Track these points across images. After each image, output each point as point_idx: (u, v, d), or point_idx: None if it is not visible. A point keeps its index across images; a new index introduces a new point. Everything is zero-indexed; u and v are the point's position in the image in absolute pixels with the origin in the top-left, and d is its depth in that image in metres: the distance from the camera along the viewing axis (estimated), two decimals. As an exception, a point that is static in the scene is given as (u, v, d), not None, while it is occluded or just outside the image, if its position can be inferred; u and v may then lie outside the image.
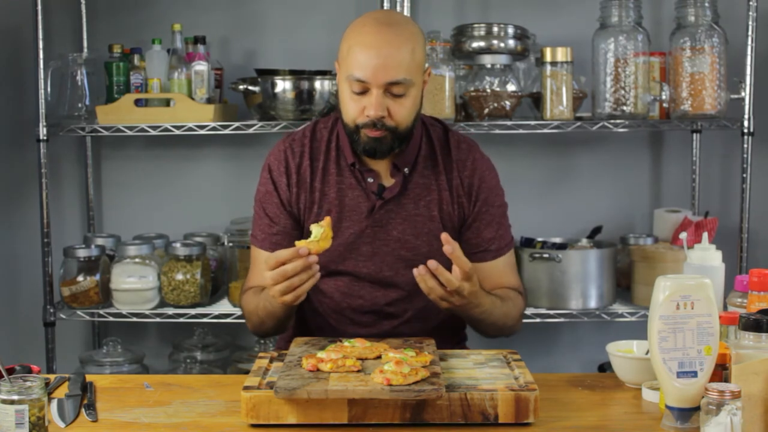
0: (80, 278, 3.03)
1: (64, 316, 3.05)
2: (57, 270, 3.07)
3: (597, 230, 3.22)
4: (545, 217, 3.36)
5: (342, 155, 2.13)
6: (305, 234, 2.07)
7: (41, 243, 3.07)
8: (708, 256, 1.96)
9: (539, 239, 3.10)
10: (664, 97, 3.00)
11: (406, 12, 3.01)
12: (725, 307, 1.86)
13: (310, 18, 3.34)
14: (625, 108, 2.96)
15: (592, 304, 2.97)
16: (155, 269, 3.02)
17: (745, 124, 2.98)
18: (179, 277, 2.99)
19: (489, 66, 3.03)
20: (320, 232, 1.88)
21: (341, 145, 2.14)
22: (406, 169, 2.12)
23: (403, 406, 1.63)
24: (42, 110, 3.01)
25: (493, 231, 2.16)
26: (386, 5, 3.05)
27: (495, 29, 3.00)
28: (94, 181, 3.42)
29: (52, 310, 3.04)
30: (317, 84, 2.98)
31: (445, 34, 3.06)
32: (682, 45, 2.97)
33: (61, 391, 1.85)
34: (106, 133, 3.04)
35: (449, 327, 2.22)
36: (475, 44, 3.02)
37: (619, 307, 3.01)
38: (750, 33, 2.94)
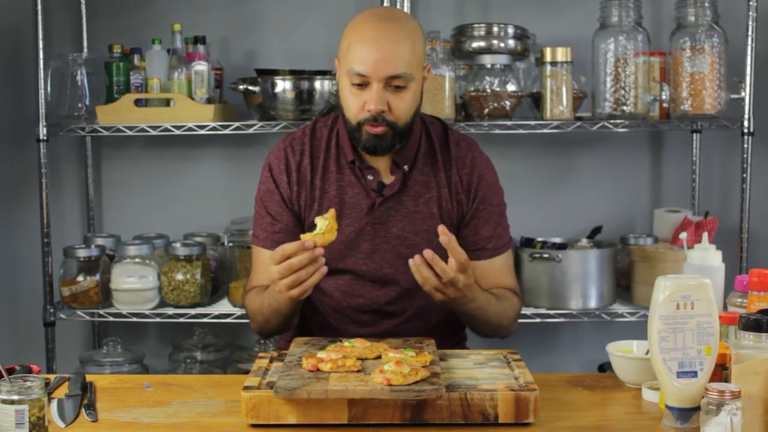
0: (80, 278, 3.03)
1: (64, 316, 3.05)
2: (57, 270, 3.07)
3: (597, 230, 3.22)
4: (545, 217, 3.36)
5: (342, 153, 2.14)
6: (306, 232, 2.07)
7: (41, 243, 3.07)
8: (708, 256, 1.96)
9: (539, 239, 3.10)
10: (664, 97, 3.00)
11: (406, 11, 3.01)
12: (725, 307, 1.86)
13: (310, 18, 3.34)
14: (625, 108, 2.96)
15: (592, 304, 2.97)
16: (155, 269, 3.02)
17: (745, 124, 2.98)
18: (179, 277, 2.99)
19: (489, 66, 3.03)
20: (325, 225, 1.88)
21: (341, 143, 2.15)
22: (405, 167, 2.13)
23: (403, 406, 1.63)
24: (42, 110, 3.01)
25: (491, 229, 2.16)
26: (386, 4, 3.05)
27: (495, 29, 3.01)
28: (94, 181, 3.42)
29: (52, 310, 3.04)
30: (317, 84, 2.98)
31: (445, 34, 3.06)
32: (682, 45, 2.97)
33: (61, 391, 1.85)
34: (106, 133, 3.04)
35: (449, 326, 2.22)
36: (475, 44, 3.02)
37: (619, 307, 3.01)
38: (750, 33, 2.94)
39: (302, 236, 1.87)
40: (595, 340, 3.20)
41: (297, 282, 1.86)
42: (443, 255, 1.88)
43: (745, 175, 2.99)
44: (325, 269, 1.87)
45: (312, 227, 1.96)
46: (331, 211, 1.90)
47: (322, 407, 1.63)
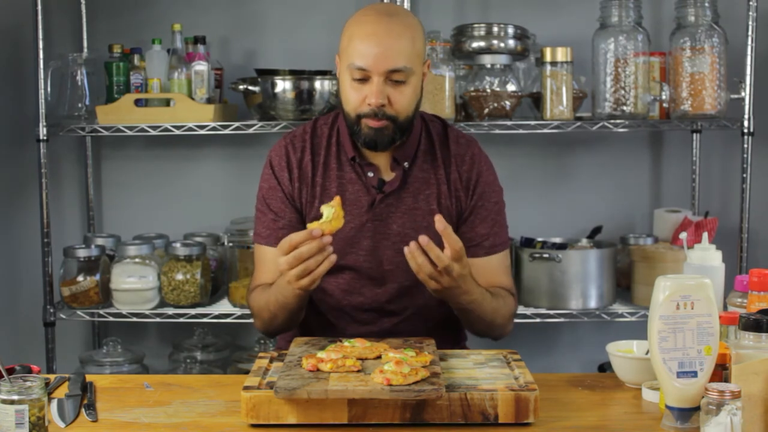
0: (80, 278, 3.03)
1: (64, 316, 3.05)
2: (57, 270, 3.07)
3: (597, 230, 3.22)
4: (545, 217, 3.36)
5: (342, 150, 2.15)
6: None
7: (41, 243, 3.07)
8: (708, 256, 1.96)
9: (539, 239, 3.10)
10: (664, 97, 3.00)
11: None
12: (725, 307, 1.86)
13: (310, 18, 3.34)
14: (625, 108, 2.96)
15: (592, 304, 2.97)
16: (155, 269, 3.02)
17: (745, 124, 2.98)
18: (179, 277, 2.99)
19: (489, 66, 3.03)
20: (332, 212, 1.87)
21: (342, 140, 2.15)
22: (406, 164, 2.13)
23: (403, 406, 1.63)
24: (42, 110, 3.01)
25: (488, 227, 2.15)
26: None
27: (495, 29, 3.01)
28: (94, 181, 3.42)
29: (52, 310, 3.04)
30: (317, 84, 2.98)
31: (445, 34, 3.06)
32: (682, 45, 2.97)
33: (61, 391, 1.85)
34: (106, 133, 3.04)
35: (449, 326, 2.22)
36: (475, 44, 3.02)
37: (619, 307, 3.01)
38: (750, 33, 2.94)
39: (309, 225, 1.86)
40: (595, 340, 3.20)
41: (306, 271, 1.85)
42: (440, 246, 1.87)
43: (745, 175, 2.99)
44: (334, 257, 1.86)
45: (318, 217, 1.95)
46: (337, 199, 1.90)
47: (322, 407, 1.63)
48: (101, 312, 3.04)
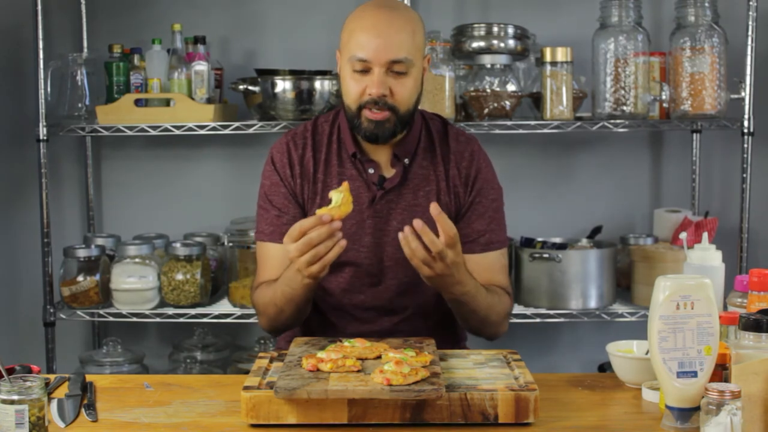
0: (80, 278, 3.03)
1: (64, 316, 3.05)
2: (57, 270, 3.07)
3: (597, 230, 3.22)
4: (545, 217, 3.36)
5: (343, 147, 2.15)
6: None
7: (41, 243, 3.07)
8: (708, 256, 1.96)
9: (539, 239, 3.10)
10: (664, 97, 3.00)
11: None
12: (725, 307, 1.86)
13: (310, 18, 3.34)
14: (625, 108, 2.96)
15: (592, 304, 2.97)
16: (155, 269, 3.02)
17: (745, 124, 2.98)
18: (179, 277, 2.99)
19: (489, 66, 3.03)
20: (340, 198, 1.87)
21: (342, 137, 2.16)
22: (406, 160, 2.14)
23: (403, 406, 1.63)
24: (42, 110, 3.01)
25: (485, 224, 2.15)
26: (386, 5, 3.05)
27: (495, 29, 3.01)
28: (94, 181, 3.42)
29: (52, 310, 3.04)
30: (317, 84, 2.98)
31: (445, 34, 3.06)
32: (682, 45, 2.97)
33: (61, 391, 1.85)
34: (106, 133, 3.04)
35: (449, 326, 2.22)
36: (475, 44, 3.02)
37: (619, 307, 3.01)
38: (750, 33, 2.94)
39: (318, 211, 1.86)
40: (595, 340, 3.20)
41: (316, 257, 1.85)
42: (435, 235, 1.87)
43: (745, 175, 2.99)
44: (344, 242, 1.86)
45: (327, 204, 1.94)
46: (345, 184, 1.90)
47: (322, 407, 1.63)
48: (101, 312, 3.04)
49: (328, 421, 1.63)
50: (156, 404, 1.79)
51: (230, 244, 3.06)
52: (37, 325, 3.13)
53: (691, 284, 1.61)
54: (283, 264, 2.03)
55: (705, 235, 2.03)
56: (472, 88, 3.03)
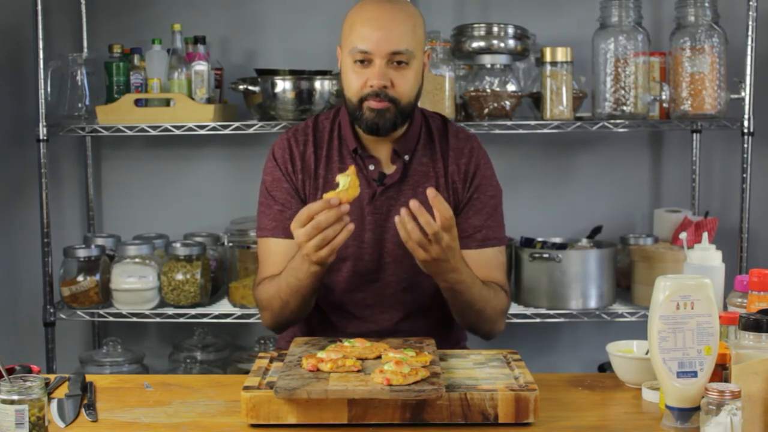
0: (80, 278, 3.03)
1: (64, 316, 3.05)
2: (57, 270, 3.07)
3: (597, 230, 3.22)
4: (545, 217, 3.36)
5: (344, 144, 2.16)
6: None
7: (41, 243, 3.07)
8: (708, 256, 1.96)
9: (539, 239, 3.10)
10: (664, 97, 3.00)
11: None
12: (725, 307, 1.86)
13: (310, 18, 3.34)
14: (625, 108, 2.96)
15: (592, 304, 2.97)
16: (155, 269, 3.02)
17: (745, 124, 2.98)
18: (179, 277, 2.99)
19: (489, 66, 3.03)
20: (347, 181, 1.87)
21: (343, 134, 2.17)
22: (406, 156, 2.14)
23: (403, 406, 1.63)
24: (42, 110, 3.01)
25: (482, 219, 2.15)
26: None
27: (495, 29, 3.01)
28: (94, 181, 3.42)
29: (52, 310, 3.04)
30: (317, 84, 2.98)
31: (445, 34, 3.06)
32: (682, 45, 2.97)
33: (61, 391, 1.85)
34: (106, 133, 3.04)
35: (449, 325, 2.22)
36: (475, 44, 3.02)
37: (619, 307, 3.01)
38: (750, 33, 2.94)
39: (325, 195, 1.86)
40: (595, 340, 3.20)
41: (325, 241, 1.85)
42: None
43: (745, 175, 2.99)
44: (351, 226, 1.86)
45: (334, 188, 1.94)
46: (352, 168, 1.91)
47: (322, 407, 1.63)
48: (101, 312, 3.04)
49: (328, 421, 1.63)
50: (156, 404, 1.79)
51: (230, 244, 3.06)
52: (37, 325, 3.13)
53: (691, 284, 1.61)
54: (287, 259, 2.03)
55: (705, 235, 2.03)
56: (472, 88, 3.03)
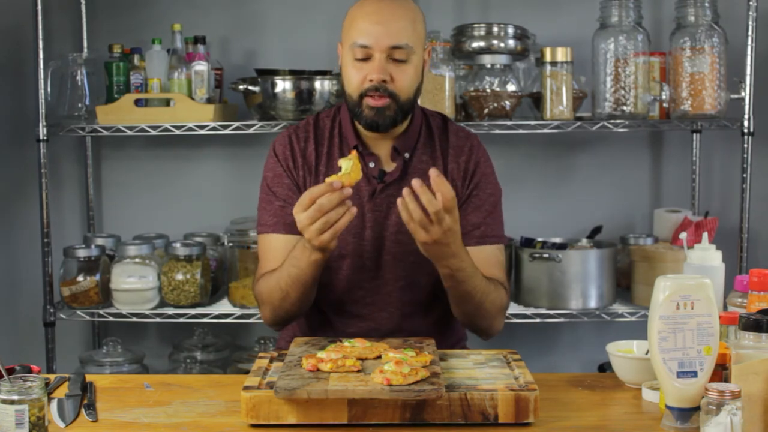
0: (80, 278, 3.03)
1: (64, 316, 3.05)
2: (57, 270, 3.07)
3: (597, 230, 3.22)
4: (545, 217, 3.36)
5: (345, 141, 2.16)
6: None
7: (41, 243, 3.07)
8: (708, 256, 1.96)
9: (539, 239, 3.10)
10: (664, 97, 3.00)
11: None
12: (725, 307, 1.86)
13: (310, 18, 3.34)
14: (625, 108, 2.96)
15: (592, 304, 2.97)
16: (155, 269, 3.02)
17: (745, 124, 2.98)
18: (179, 277, 2.99)
19: (489, 66, 3.03)
20: (350, 165, 1.87)
21: (344, 131, 2.17)
22: (406, 154, 2.15)
23: (403, 406, 1.63)
24: (42, 110, 3.01)
25: (481, 216, 2.15)
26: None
27: (495, 29, 3.01)
28: (94, 181, 3.42)
29: (52, 310, 3.04)
30: (317, 84, 2.98)
31: (445, 34, 3.06)
32: (682, 45, 2.97)
33: (61, 391, 1.85)
34: (106, 133, 3.04)
35: (449, 325, 2.22)
36: (475, 44, 3.02)
37: (619, 307, 3.01)
38: (750, 33, 2.94)
39: (327, 179, 1.86)
40: (595, 340, 3.20)
41: (327, 225, 1.85)
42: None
43: (745, 175, 2.99)
44: (354, 210, 1.86)
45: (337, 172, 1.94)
46: (354, 152, 1.92)
47: (322, 407, 1.63)
48: (101, 312, 3.04)
49: (328, 421, 1.63)
50: (156, 404, 1.79)
51: (230, 244, 3.06)
52: (37, 325, 3.13)
53: (691, 284, 1.61)
54: (287, 255, 2.02)
55: (705, 235, 2.03)
56: (472, 88, 3.03)
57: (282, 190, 2.15)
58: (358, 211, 2.11)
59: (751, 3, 2.93)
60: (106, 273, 3.04)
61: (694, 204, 3.31)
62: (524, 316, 2.96)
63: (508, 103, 3.00)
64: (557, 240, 3.16)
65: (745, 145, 2.98)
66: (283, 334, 2.28)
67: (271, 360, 1.87)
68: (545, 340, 3.41)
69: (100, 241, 3.15)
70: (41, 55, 3.00)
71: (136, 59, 3.14)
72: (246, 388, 1.67)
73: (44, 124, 3.01)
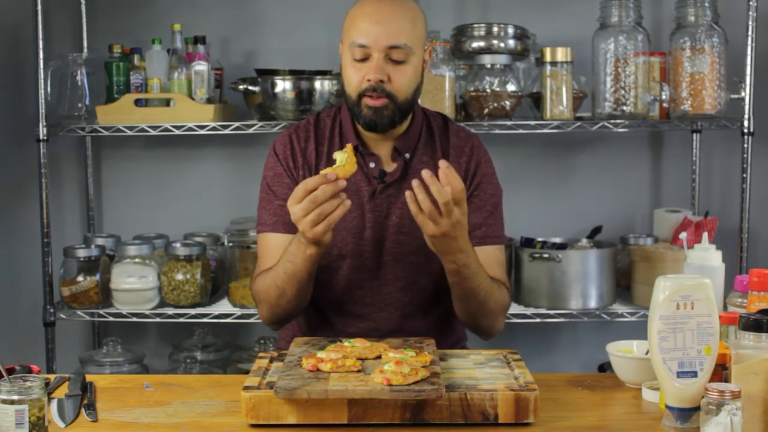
0: (80, 278, 3.03)
1: (64, 316, 3.05)
2: (57, 270, 3.07)
3: (597, 230, 3.22)
4: (545, 217, 3.36)
5: (345, 141, 2.16)
6: None
7: (41, 243, 3.07)
8: (708, 256, 1.96)
9: (539, 239, 3.10)
10: (664, 97, 3.00)
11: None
12: (725, 307, 1.86)
13: (310, 18, 3.34)
14: (625, 108, 2.96)
15: (592, 304, 2.97)
16: (155, 269, 3.02)
17: (745, 124, 2.98)
18: (179, 277, 2.99)
19: (489, 66, 3.03)
20: (344, 158, 1.88)
21: (344, 131, 2.17)
22: (407, 154, 2.15)
23: (403, 406, 1.63)
24: (42, 110, 3.01)
25: (482, 217, 2.15)
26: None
27: (495, 29, 3.01)
28: (94, 181, 3.42)
29: (52, 310, 3.04)
30: (317, 84, 2.98)
31: (445, 34, 3.06)
32: (682, 45, 2.97)
33: (61, 391, 1.85)
34: (106, 133, 3.04)
35: (449, 325, 2.22)
36: (475, 44, 3.02)
37: (619, 307, 3.01)
38: (750, 33, 2.94)
39: (322, 171, 1.86)
40: (595, 340, 3.20)
41: (321, 216, 1.84)
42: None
43: (745, 175, 2.99)
44: (348, 202, 1.86)
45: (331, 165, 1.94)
46: (349, 146, 1.92)
47: (322, 407, 1.63)
48: (101, 312, 3.04)
49: (328, 421, 1.63)
50: (156, 404, 1.79)
51: (230, 244, 3.06)
52: (37, 325, 3.13)
53: (691, 284, 1.61)
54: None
55: (705, 235, 2.03)
56: (472, 88, 3.03)
57: (282, 189, 2.15)
58: (359, 212, 2.12)
59: (751, 3, 2.93)
60: (106, 273, 3.04)
61: (694, 204, 3.31)
62: (524, 316, 2.96)
63: (508, 103, 3.01)
64: (557, 240, 3.16)
65: (745, 145, 2.98)
66: (283, 334, 2.28)
67: (271, 360, 1.87)
68: (545, 340, 3.41)
69: (100, 241, 3.15)
70: (41, 55, 3.00)
71: (136, 59, 3.14)
72: (246, 388, 1.67)
73: (44, 124, 3.01)
